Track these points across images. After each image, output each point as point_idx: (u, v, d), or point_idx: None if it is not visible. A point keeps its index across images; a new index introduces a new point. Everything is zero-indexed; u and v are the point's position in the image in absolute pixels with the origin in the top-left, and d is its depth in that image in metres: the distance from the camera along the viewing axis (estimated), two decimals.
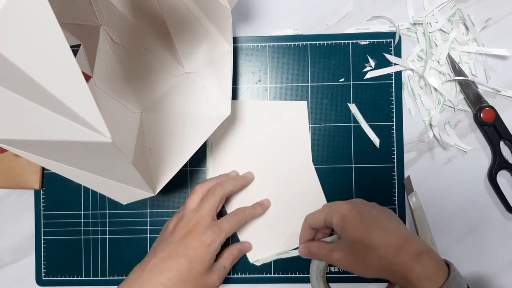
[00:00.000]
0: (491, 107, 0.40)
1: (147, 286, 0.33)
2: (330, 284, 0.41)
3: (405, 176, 0.42)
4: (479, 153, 0.42)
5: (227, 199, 0.42)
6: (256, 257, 0.42)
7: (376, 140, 0.42)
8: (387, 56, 0.42)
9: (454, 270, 0.30)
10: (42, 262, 0.44)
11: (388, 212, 0.36)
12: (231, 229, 0.38)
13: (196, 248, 0.35)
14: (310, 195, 0.42)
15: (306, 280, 0.42)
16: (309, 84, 0.42)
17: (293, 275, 0.42)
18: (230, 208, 0.42)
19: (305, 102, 0.42)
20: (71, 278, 0.43)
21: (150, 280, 0.34)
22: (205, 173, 0.43)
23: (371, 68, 0.42)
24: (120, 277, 0.43)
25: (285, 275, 0.42)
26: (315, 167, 0.42)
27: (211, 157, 0.43)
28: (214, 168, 0.43)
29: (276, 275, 0.42)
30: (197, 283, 0.35)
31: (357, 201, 0.37)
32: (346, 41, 0.42)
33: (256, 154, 0.42)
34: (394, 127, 0.42)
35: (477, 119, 0.41)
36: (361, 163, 0.42)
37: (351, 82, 0.42)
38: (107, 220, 0.43)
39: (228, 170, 0.42)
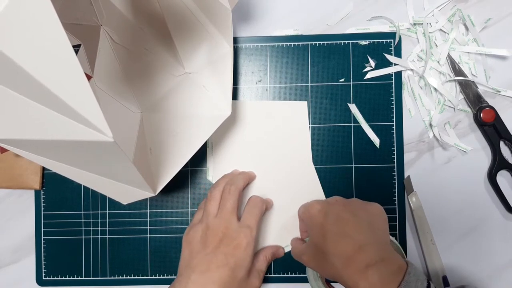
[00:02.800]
0: (491, 107, 0.41)
1: None
2: (333, 284, 0.41)
3: (405, 176, 0.42)
4: (479, 153, 0.42)
5: None
6: None
7: (376, 140, 0.42)
8: (387, 56, 0.42)
9: (409, 274, 0.29)
10: (42, 262, 0.44)
11: (362, 215, 0.33)
12: (257, 222, 0.37)
13: (233, 255, 0.35)
14: (311, 195, 0.42)
15: (306, 280, 0.42)
16: (309, 84, 0.42)
17: (293, 275, 0.42)
18: None
19: (305, 102, 0.42)
20: (71, 278, 0.43)
21: None
22: (205, 173, 0.43)
23: (371, 68, 0.42)
24: (120, 277, 0.43)
25: (285, 275, 0.42)
26: (315, 167, 0.42)
27: (211, 157, 0.43)
28: (214, 168, 0.43)
29: (276, 275, 0.42)
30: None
31: (332, 200, 0.36)
32: (346, 41, 0.42)
33: (257, 154, 0.42)
34: (394, 127, 0.42)
35: (477, 119, 0.41)
36: (361, 163, 0.42)
37: (351, 82, 0.42)
38: (107, 220, 0.43)
39: (229, 170, 0.42)
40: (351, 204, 0.35)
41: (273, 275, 0.42)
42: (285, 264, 0.42)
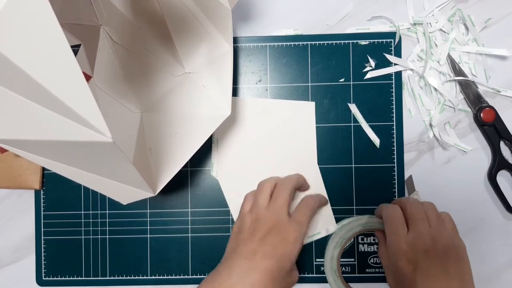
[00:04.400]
0: (491, 107, 0.40)
1: None
2: (327, 285, 0.41)
3: (406, 176, 0.42)
4: (479, 153, 0.42)
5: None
6: None
7: (376, 140, 0.42)
8: (387, 56, 0.42)
9: None
10: (42, 262, 0.44)
11: (454, 254, 0.33)
12: (308, 220, 0.37)
13: (281, 247, 0.34)
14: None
15: (306, 280, 0.42)
16: (309, 84, 0.42)
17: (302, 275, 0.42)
18: (231, 204, 0.42)
19: (313, 103, 0.42)
20: (71, 278, 0.43)
21: (239, 284, 0.33)
22: (205, 173, 0.43)
23: (371, 68, 0.42)
24: (120, 277, 0.43)
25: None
26: None
27: (216, 153, 0.43)
28: (219, 164, 0.43)
29: None
30: (285, 280, 0.35)
31: (423, 230, 0.34)
32: (346, 41, 0.42)
33: (262, 152, 0.42)
34: (394, 127, 0.42)
35: (477, 119, 0.41)
36: (361, 163, 0.42)
37: (351, 82, 0.42)
38: (107, 220, 0.43)
39: (233, 167, 0.42)
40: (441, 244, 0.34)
41: None
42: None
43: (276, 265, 0.34)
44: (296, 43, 0.42)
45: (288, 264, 0.35)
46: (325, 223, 0.42)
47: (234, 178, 0.42)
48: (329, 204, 0.42)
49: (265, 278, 0.33)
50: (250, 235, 0.35)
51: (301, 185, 0.40)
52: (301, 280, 0.42)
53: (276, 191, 0.37)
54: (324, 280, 0.42)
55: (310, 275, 0.42)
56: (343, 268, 0.42)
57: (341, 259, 0.42)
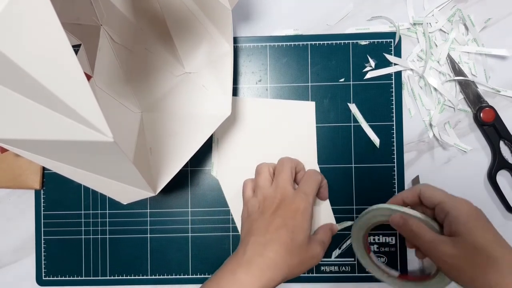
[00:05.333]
0: (491, 107, 0.41)
1: (256, 262, 0.33)
2: (333, 284, 0.41)
3: (407, 176, 0.42)
4: (479, 153, 0.42)
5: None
6: None
7: (376, 140, 0.42)
8: (387, 56, 0.42)
9: None
10: (42, 262, 0.44)
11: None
12: (313, 190, 0.37)
13: (291, 217, 0.35)
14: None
15: (306, 280, 0.42)
16: (309, 84, 0.42)
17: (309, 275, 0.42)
18: (230, 200, 0.42)
19: (313, 103, 0.42)
20: (71, 278, 0.43)
21: (256, 256, 0.33)
22: (205, 173, 0.43)
23: (371, 68, 0.42)
24: (120, 277, 0.43)
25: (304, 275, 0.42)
26: None
27: (216, 153, 0.43)
28: (219, 164, 0.43)
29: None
30: (303, 253, 0.35)
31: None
32: (346, 41, 0.42)
33: (262, 152, 0.42)
34: (394, 127, 0.42)
35: (477, 119, 0.41)
36: (361, 163, 0.42)
37: (351, 82, 0.42)
38: (107, 220, 0.43)
39: (234, 166, 0.42)
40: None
41: None
42: None
43: (290, 236, 0.34)
44: (296, 43, 0.43)
45: (301, 234, 0.34)
46: (325, 223, 0.42)
47: (234, 178, 0.42)
48: (329, 204, 0.42)
49: (281, 249, 0.33)
50: (260, 214, 0.36)
51: (300, 169, 0.40)
52: (301, 280, 0.42)
53: (278, 169, 0.38)
54: (324, 280, 0.42)
55: (310, 274, 0.42)
56: (342, 268, 0.42)
57: (341, 259, 0.42)
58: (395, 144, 0.42)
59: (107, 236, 0.43)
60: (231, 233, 0.43)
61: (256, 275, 0.32)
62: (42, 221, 0.44)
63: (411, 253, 0.42)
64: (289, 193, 0.36)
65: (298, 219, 0.35)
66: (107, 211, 0.43)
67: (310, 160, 0.42)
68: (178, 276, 0.43)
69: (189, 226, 0.43)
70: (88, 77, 0.40)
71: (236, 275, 0.32)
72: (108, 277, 0.43)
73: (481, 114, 0.41)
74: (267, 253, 0.33)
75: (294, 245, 0.34)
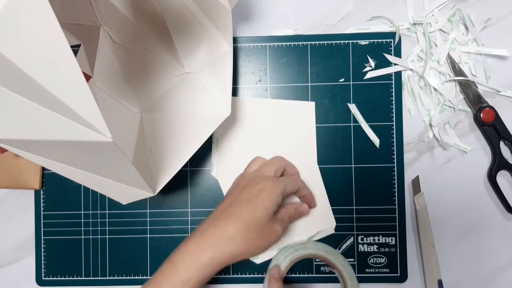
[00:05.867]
0: (491, 107, 0.40)
1: (209, 232, 0.32)
2: (333, 284, 0.41)
3: (407, 176, 0.42)
4: (479, 153, 0.42)
5: None
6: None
7: (376, 140, 0.42)
8: (387, 56, 0.42)
9: None
10: (42, 262, 0.44)
11: None
12: (289, 183, 0.37)
13: (257, 195, 0.34)
14: (314, 196, 0.42)
15: (306, 280, 0.42)
16: (309, 84, 0.42)
17: (292, 275, 0.42)
18: None
19: (313, 103, 0.42)
20: (71, 278, 0.43)
21: (211, 227, 0.33)
22: (206, 173, 0.43)
23: (371, 68, 0.42)
24: (120, 277, 0.43)
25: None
26: None
27: (216, 153, 0.43)
28: (219, 164, 0.43)
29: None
30: (262, 230, 0.34)
31: None
32: (346, 41, 0.42)
33: (262, 152, 0.42)
34: (394, 127, 0.42)
35: (477, 119, 0.41)
36: (361, 163, 0.42)
37: (351, 82, 0.42)
38: (107, 220, 0.43)
39: (233, 166, 0.42)
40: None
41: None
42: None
43: (250, 211, 0.33)
44: (296, 43, 0.42)
45: (261, 212, 0.33)
46: (325, 223, 0.42)
47: (234, 178, 0.42)
48: (329, 204, 0.42)
49: (238, 223, 0.33)
50: (232, 190, 0.37)
51: (291, 172, 0.41)
52: (301, 280, 0.42)
53: (265, 163, 0.39)
54: (324, 280, 0.42)
55: (310, 275, 0.42)
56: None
57: None
58: (395, 144, 0.42)
59: (107, 236, 0.43)
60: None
61: (208, 246, 0.32)
62: (42, 221, 0.44)
63: (411, 254, 0.42)
64: (263, 175, 0.37)
65: (262, 196, 0.34)
66: (107, 211, 0.43)
67: (310, 160, 0.42)
68: None
69: (189, 226, 0.43)
70: (88, 77, 0.40)
71: (188, 246, 0.32)
72: (108, 277, 0.43)
73: (481, 114, 0.40)
74: (223, 225, 0.33)
75: (252, 220, 0.33)
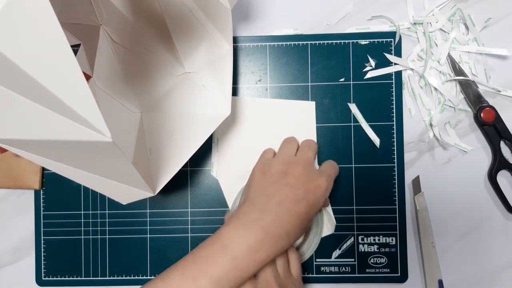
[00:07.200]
0: (491, 107, 0.40)
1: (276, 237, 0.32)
2: (333, 284, 0.41)
3: (407, 176, 0.42)
4: (479, 153, 0.42)
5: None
6: None
7: (376, 140, 0.42)
8: (387, 56, 0.42)
9: None
10: (42, 262, 0.44)
11: None
12: (334, 177, 0.38)
13: (314, 193, 0.34)
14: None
15: (306, 280, 0.42)
16: (309, 84, 0.42)
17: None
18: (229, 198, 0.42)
19: (313, 103, 0.42)
20: (71, 278, 0.43)
21: (278, 232, 0.32)
22: (205, 173, 0.43)
23: (371, 68, 0.42)
24: (120, 277, 0.43)
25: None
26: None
27: (216, 153, 0.43)
28: (219, 164, 0.43)
29: None
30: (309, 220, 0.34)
31: None
32: (346, 41, 0.42)
33: (262, 151, 0.42)
34: (394, 127, 0.42)
35: (477, 119, 0.41)
36: (361, 163, 0.42)
37: (351, 82, 0.42)
38: (107, 220, 0.43)
39: (233, 166, 0.42)
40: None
41: None
42: None
43: (307, 211, 0.33)
44: (296, 43, 0.42)
45: (314, 213, 0.35)
46: (325, 223, 0.42)
47: (234, 178, 0.42)
48: (329, 204, 0.42)
49: (296, 221, 0.33)
50: (280, 177, 0.35)
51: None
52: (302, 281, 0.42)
53: (304, 145, 0.38)
54: (324, 280, 0.42)
55: (310, 275, 0.42)
56: (342, 268, 0.42)
57: (341, 260, 0.42)
58: (395, 144, 0.42)
59: (107, 236, 0.43)
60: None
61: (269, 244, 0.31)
62: (42, 221, 0.44)
63: (411, 254, 0.42)
64: (313, 168, 0.36)
65: (319, 197, 0.34)
66: (107, 211, 0.43)
67: None
68: None
69: (189, 226, 0.43)
70: (88, 77, 0.39)
71: (250, 241, 0.31)
72: (107, 278, 0.43)
73: (482, 114, 0.40)
74: (282, 223, 0.32)
75: (307, 217, 0.33)
